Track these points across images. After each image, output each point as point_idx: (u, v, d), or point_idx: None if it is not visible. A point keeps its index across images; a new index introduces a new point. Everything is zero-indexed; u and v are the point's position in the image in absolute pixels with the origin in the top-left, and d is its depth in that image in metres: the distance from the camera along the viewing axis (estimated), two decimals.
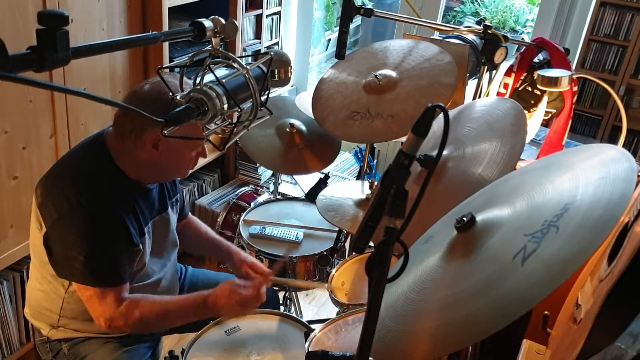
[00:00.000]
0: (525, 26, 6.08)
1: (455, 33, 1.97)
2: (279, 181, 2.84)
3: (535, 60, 2.06)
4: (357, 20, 5.66)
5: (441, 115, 0.78)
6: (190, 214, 1.90)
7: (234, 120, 1.02)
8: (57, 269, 1.43)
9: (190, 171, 1.59)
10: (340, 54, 1.78)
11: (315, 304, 2.87)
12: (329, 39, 5.79)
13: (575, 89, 1.99)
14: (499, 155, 1.28)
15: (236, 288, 1.49)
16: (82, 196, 1.37)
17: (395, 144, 3.23)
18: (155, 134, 1.39)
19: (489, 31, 1.80)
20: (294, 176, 3.22)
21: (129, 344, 1.57)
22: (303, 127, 2.21)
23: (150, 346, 1.65)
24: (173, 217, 1.67)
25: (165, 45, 2.37)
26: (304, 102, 2.18)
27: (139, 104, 1.37)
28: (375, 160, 3.45)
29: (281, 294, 2.13)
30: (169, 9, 2.32)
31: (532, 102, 2.07)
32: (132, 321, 1.42)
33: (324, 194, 1.95)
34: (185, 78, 1.06)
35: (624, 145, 2.50)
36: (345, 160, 3.44)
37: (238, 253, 1.79)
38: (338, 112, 1.80)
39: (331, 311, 2.60)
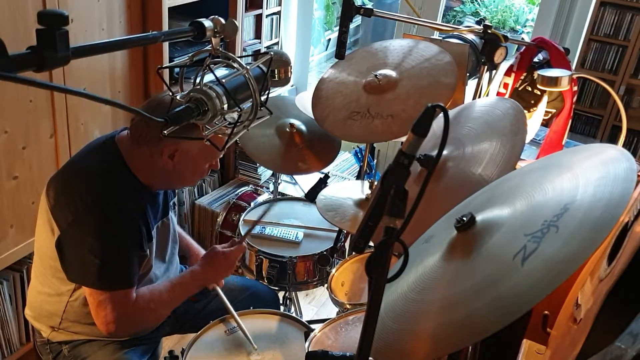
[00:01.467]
0: (525, 26, 6.08)
1: (455, 33, 1.97)
2: (279, 181, 2.84)
3: (535, 60, 2.06)
4: (357, 20, 5.66)
5: (441, 115, 0.78)
6: None
7: (234, 120, 1.02)
8: (69, 272, 1.42)
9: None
10: (340, 53, 1.78)
11: (315, 304, 2.87)
12: (329, 39, 5.79)
13: (575, 88, 1.99)
14: (499, 155, 1.28)
15: (221, 250, 1.63)
16: (98, 199, 1.37)
17: (395, 143, 3.23)
18: (174, 144, 1.40)
19: (489, 31, 1.80)
20: (294, 176, 3.22)
21: (128, 346, 1.57)
22: (303, 127, 2.21)
23: (150, 347, 1.65)
24: (173, 220, 1.67)
25: (165, 45, 2.37)
26: (304, 102, 2.18)
27: (154, 109, 1.37)
28: (375, 160, 3.45)
29: (281, 294, 2.13)
30: (169, 9, 2.32)
31: (532, 102, 2.07)
32: (148, 315, 1.49)
33: (324, 193, 1.95)
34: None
35: (624, 145, 2.49)
36: (345, 160, 3.44)
37: (197, 255, 1.85)
38: (338, 112, 1.80)
39: (331, 311, 2.60)
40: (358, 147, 3.09)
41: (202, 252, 1.85)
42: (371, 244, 0.86)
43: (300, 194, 2.89)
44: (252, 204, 2.37)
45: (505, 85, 2.09)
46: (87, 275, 1.39)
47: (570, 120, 2.02)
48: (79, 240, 1.38)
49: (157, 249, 1.57)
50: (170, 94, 0.94)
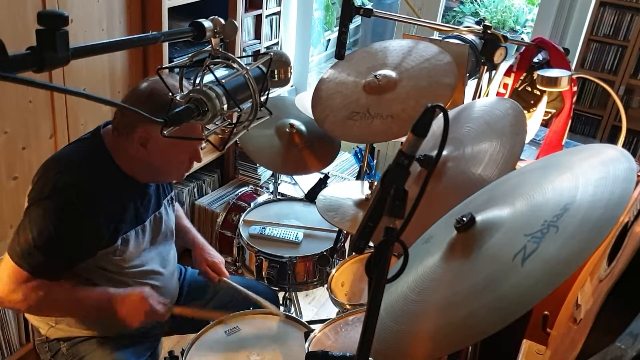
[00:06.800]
0: (524, 26, 6.08)
1: (454, 33, 1.97)
2: (279, 181, 2.84)
3: (535, 60, 2.06)
4: (357, 20, 5.66)
5: (441, 115, 0.78)
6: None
7: (234, 121, 1.02)
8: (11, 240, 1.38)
9: (188, 173, 1.57)
10: (339, 54, 1.78)
11: (315, 304, 2.87)
12: (329, 39, 5.79)
13: (575, 89, 1.99)
14: (499, 155, 1.28)
15: (149, 298, 1.47)
16: (66, 186, 1.34)
17: (395, 144, 3.23)
18: (145, 132, 1.38)
19: (489, 31, 1.80)
20: (294, 176, 3.22)
21: (128, 345, 1.57)
22: (303, 127, 2.21)
23: (149, 346, 1.65)
24: (168, 215, 1.66)
25: (165, 45, 2.37)
26: (304, 102, 2.18)
27: (134, 102, 1.37)
28: (375, 160, 3.45)
29: (281, 294, 2.13)
30: (169, 9, 2.32)
31: (532, 102, 2.07)
32: (33, 297, 1.36)
33: (323, 194, 1.95)
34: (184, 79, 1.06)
35: (624, 145, 2.50)
36: (345, 161, 3.44)
37: (201, 248, 1.80)
38: (338, 112, 1.80)
39: (331, 311, 2.60)
40: (358, 147, 3.09)
41: (207, 245, 1.83)
42: (371, 244, 0.86)
43: (300, 194, 2.89)
44: (252, 204, 2.37)
45: (505, 86, 2.09)
46: (15, 246, 1.35)
47: (570, 121, 2.02)
48: (31, 218, 1.34)
49: (150, 241, 1.56)
50: (171, 94, 0.94)
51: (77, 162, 1.41)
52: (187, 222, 1.86)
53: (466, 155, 1.35)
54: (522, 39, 2.58)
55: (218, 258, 1.81)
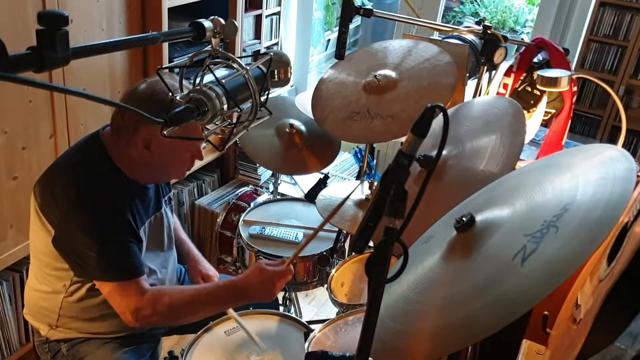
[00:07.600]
0: (524, 26, 6.09)
1: (454, 33, 1.97)
2: (279, 181, 2.84)
3: (535, 60, 2.07)
4: (357, 20, 5.66)
5: (441, 115, 0.78)
6: None
7: (234, 121, 1.02)
8: (75, 269, 1.42)
9: (188, 172, 1.57)
10: (339, 54, 1.79)
11: (315, 304, 2.87)
12: (329, 39, 5.80)
13: (575, 89, 1.99)
14: (499, 153, 1.28)
15: (265, 266, 1.46)
16: (83, 194, 1.37)
17: (394, 144, 3.23)
18: (148, 133, 1.39)
19: (489, 31, 1.80)
20: (294, 176, 3.22)
21: (128, 345, 1.56)
22: (303, 127, 2.21)
23: (149, 347, 1.65)
24: (167, 215, 1.66)
25: (165, 45, 2.37)
26: (304, 102, 2.18)
27: (134, 103, 1.37)
28: (374, 161, 3.45)
29: (281, 294, 2.13)
30: (169, 9, 2.32)
31: (532, 102, 2.07)
32: (161, 308, 1.40)
33: (323, 194, 1.95)
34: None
35: (624, 146, 2.50)
36: (344, 161, 3.44)
37: (196, 261, 1.81)
38: (338, 112, 1.80)
39: (331, 311, 2.60)
40: (358, 147, 3.09)
41: (202, 258, 1.83)
42: (371, 244, 0.86)
43: (300, 195, 2.89)
44: (252, 204, 2.37)
45: (505, 86, 2.09)
46: (88, 268, 1.39)
47: (569, 121, 2.02)
48: (71, 237, 1.37)
49: (149, 244, 1.56)
50: (170, 94, 0.94)
51: (81, 170, 1.42)
52: (183, 234, 1.85)
53: (466, 153, 1.35)
54: (522, 39, 2.58)
55: (212, 272, 1.80)
